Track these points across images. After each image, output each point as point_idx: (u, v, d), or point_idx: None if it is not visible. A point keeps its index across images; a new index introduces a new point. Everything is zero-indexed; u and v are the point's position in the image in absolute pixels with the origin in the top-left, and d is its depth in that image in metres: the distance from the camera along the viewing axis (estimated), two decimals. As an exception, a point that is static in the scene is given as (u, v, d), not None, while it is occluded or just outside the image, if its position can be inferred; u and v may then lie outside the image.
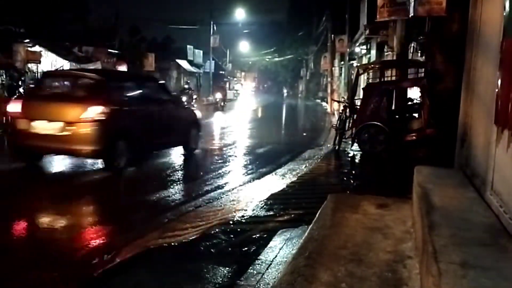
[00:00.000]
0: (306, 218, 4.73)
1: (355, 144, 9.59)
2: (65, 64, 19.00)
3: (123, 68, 23.41)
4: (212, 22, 34.96)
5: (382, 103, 9.35)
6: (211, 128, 16.97)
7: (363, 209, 4.24)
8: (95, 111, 6.85)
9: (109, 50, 23.69)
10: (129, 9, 58.11)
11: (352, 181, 7.15)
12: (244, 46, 50.90)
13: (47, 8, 19.96)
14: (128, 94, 8.07)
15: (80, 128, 6.81)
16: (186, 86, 24.02)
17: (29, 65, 17.95)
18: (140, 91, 8.41)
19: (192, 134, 9.68)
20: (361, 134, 9.35)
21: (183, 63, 34.02)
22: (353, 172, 8.04)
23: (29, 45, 17.64)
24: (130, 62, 24.09)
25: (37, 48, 17.98)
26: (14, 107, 7.38)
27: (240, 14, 38.50)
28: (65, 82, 8.00)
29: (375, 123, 9.21)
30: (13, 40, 16.91)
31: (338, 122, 10.90)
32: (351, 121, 10.12)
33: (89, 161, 7.98)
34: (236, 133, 15.30)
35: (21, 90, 15.52)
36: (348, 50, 24.09)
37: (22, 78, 16.39)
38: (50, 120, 6.93)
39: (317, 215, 4.16)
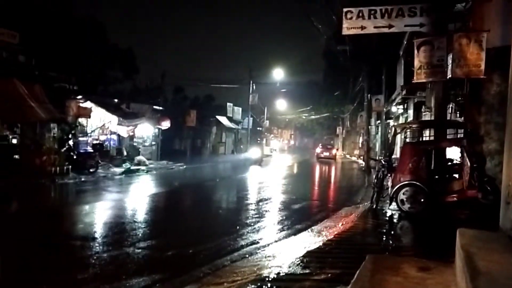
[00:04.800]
0: (343, 278, 4.64)
1: (393, 204, 9.41)
2: (113, 119, 20.04)
3: (166, 123, 24.39)
4: (251, 81, 36.25)
5: (421, 162, 9.24)
6: (247, 183, 17.11)
7: (403, 272, 4.13)
8: (334, 151, 38.87)
9: (154, 107, 24.88)
10: (175, 68, 61.43)
11: (390, 242, 6.97)
12: (281, 104, 51.94)
13: (100, 68, 21.46)
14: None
15: (332, 154, 37.45)
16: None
17: (80, 119, 19.05)
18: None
19: None
20: (400, 193, 9.19)
21: (223, 120, 35.08)
22: (392, 232, 7.83)
23: (80, 101, 18.80)
24: (173, 118, 25.08)
25: (88, 104, 19.11)
26: (318, 150, 39.26)
27: (278, 74, 39.79)
28: (326, 143, 46.23)
29: (414, 182, 9.07)
30: (67, 96, 18.11)
31: (376, 180, 10.79)
32: (388, 180, 10.00)
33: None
34: (272, 188, 15.34)
35: (70, 142, 16.41)
36: (384, 109, 24.18)
37: (72, 132, 17.36)
38: (326, 151, 38.01)
39: (355, 276, 4.07)
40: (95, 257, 5.92)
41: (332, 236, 7.13)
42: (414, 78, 9.84)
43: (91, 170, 16.01)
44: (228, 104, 37.69)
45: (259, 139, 27.30)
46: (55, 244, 6.70)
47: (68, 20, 19.84)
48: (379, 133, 25.60)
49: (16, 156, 13.73)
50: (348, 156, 44.42)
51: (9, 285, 4.73)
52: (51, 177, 14.25)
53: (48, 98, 15.79)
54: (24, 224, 7.33)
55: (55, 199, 12.08)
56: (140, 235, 7.39)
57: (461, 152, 9.18)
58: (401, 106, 20.85)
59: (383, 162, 10.39)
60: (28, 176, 13.32)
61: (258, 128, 43.54)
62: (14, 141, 15.31)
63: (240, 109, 39.68)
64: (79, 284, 4.87)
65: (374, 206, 9.96)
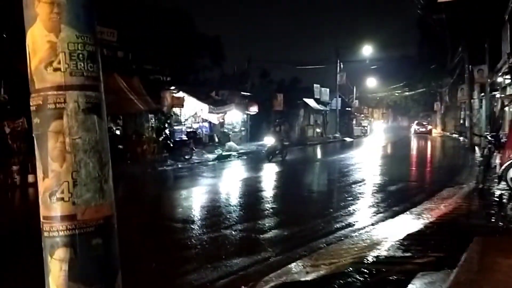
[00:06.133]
0: (448, 261, 4.34)
1: (503, 183, 8.60)
2: (204, 107, 20.91)
3: (254, 109, 24.81)
4: (338, 60, 35.28)
5: (535, 137, 8.30)
6: (338, 165, 16.83)
7: (518, 255, 3.79)
8: (429, 127, 45.84)
9: (241, 92, 25.44)
10: (260, 53, 62.24)
11: (500, 224, 6.38)
12: (371, 82, 49.90)
13: (189, 58, 22.39)
14: None
15: (428, 130, 44.06)
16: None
17: (174, 109, 20.15)
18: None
19: None
20: (510, 171, 8.37)
21: (310, 102, 34.70)
22: (501, 213, 7.16)
23: (174, 91, 19.85)
24: (261, 103, 25.41)
25: (180, 94, 20.12)
26: (414, 126, 46.58)
27: (367, 50, 38.18)
28: (421, 121, 49.58)
29: (527, 159, 8.18)
30: (161, 87, 19.23)
31: (482, 158, 9.95)
32: (496, 157, 9.16)
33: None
34: (365, 169, 14.91)
35: (166, 131, 17.46)
36: (488, 80, 22.04)
37: (168, 121, 18.44)
38: (422, 128, 44.56)
39: (462, 259, 3.84)
40: (196, 239, 6.24)
41: (434, 219, 6.72)
42: (525, 42, 8.77)
43: (186, 157, 16.84)
44: (315, 85, 37.11)
45: (277, 120, 19.83)
46: (160, 225, 7.19)
47: (157, 12, 20.88)
48: (483, 107, 23.44)
49: (120, 146, 14.92)
50: (448, 133, 41.56)
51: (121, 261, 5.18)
52: (152, 164, 15.30)
53: (145, 90, 16.89)
54: (131, 208, 7.96)
55: (157, 185, 12.96)
56: (235, 217, 7.63)
57: None
58: (508, 76, 18.82)
59: (490, 138, 9.56)
60: (131, 164, 14.46)
61: (347, 109, 42.34)
62: (118, 132, 16.67)
63: (328, 90, 38.83)
64: (184, 263, 5.17)
65: (481, 186, 9.22)
